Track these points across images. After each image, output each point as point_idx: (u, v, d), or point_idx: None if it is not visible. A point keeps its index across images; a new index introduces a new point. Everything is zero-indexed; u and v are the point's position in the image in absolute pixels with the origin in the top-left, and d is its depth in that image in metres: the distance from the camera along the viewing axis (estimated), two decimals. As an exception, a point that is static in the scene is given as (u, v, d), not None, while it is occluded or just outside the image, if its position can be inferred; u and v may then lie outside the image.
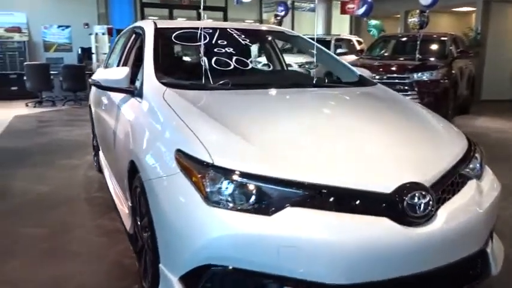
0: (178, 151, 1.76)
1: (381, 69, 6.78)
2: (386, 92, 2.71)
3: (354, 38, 11.41)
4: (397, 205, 1.60)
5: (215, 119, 1.91)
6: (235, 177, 1.60)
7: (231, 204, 1.58)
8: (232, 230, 1.54)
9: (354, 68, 3.01)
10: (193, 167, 1.67)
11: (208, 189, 1.60)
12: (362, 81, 2.86)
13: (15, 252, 2.63)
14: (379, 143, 1.88)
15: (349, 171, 1.68)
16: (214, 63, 2.58)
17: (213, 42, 2.76)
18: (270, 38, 3.57)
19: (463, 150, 2.00)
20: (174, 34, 2.82)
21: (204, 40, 2.70)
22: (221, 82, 2.42)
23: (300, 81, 2.73)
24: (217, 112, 2.01)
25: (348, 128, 1.99)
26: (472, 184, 1.90)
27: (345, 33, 12.36)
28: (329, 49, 10.04)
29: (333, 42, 10.19)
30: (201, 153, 1.69)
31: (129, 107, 2.48)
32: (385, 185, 1.63)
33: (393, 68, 6.75)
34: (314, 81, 2.70)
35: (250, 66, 2.64)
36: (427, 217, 1.64)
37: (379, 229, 1.57)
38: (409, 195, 1.61)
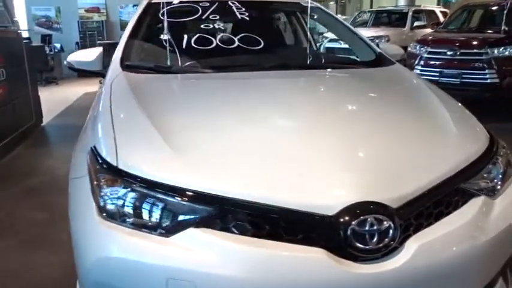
0: (92, 149, 1.50)
1: (456, 44, 5.91)
2: (399, 75, 2.19)
3: (438, 9, 10.20)
4: (339, 233, 1.19)
5: (147, 113, 1.60)
6: (135, 185, 1.29)
7: (127, 219, 1.28)
8: (114, 253, 1.25)
9: (374, 45, 2.51)
10: (94, 169, 1.40)
11: (101, 198, 1.33)
12: (378, 61, 2.36)
13: (2, 235, 2.63)
14: (344, 147, 1.41)
15: (284, 186, 1.26)
16: (195, 42, 2.26)
17: (205, 17, 2.45)
18: (278, 11, 3.13)
19: (472, 157, 1.48)
20: (168, 9, 2.54)
21: (196, 15, 2.42)
22: (187, 64, 2.10)
23: (292, 62, 2.29)
24: (157, 102, 1.71)
25: (310, 127, 1.54)
26: (475, 203, 1.38)
27: (429, 4, 11.12)
28: (405, 22, 9.12)
29: (410, 14, 9.18)
30: (110, 153, 1.41)
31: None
32: (329, 204, 1.21)
33: (469, 42, 5.82)
34: (311, 62, 2.25)
35: (236, 44, 2.27)
36: (384, 251, 1.21)
37: (308, 264, 1.17)
38: (357, 220, 1.19)
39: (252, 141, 1.46)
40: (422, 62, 6.16)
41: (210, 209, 1.23)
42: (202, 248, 1.20)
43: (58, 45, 10.43)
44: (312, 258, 1.17)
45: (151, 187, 1.28)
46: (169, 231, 1.24)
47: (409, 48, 6.56)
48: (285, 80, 2.04)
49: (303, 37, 2.96)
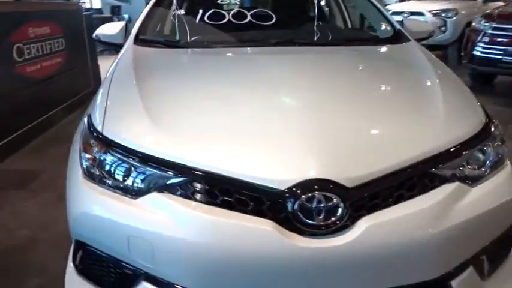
0: (88, 116, 1.66)
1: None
2: (407, 53, 2.12)
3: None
4: (287, 207, 1.24)
5: (140, 85, 1.72)
6: (113, 151, 1.43)
7: (106, 181, 1.42)
8: (91, 210, 1.41)
9: (394, 21, 2.42)
10: (84, 134, 1.57)
11: (85, 161, 1.48)
12: (394, 38, 2.29)
13: (44, 190, 2.94)
14: (314, 126, 1.43)
15: (244, 159, 1.33)
16: (209, 17, 2.33)
17: None
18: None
19: (452, 143, 1.43)
20: None
21: None
22: (194, 39, 2.18)
23: (299, 38, 2.25)
24: (153, 75, 1.84)
25: (287, 106, 1.58)
26: (445, 190, 1.35)
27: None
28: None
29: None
30: (98, 121, 1.56)
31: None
32: (282, 179, 1.26)
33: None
34: (320, 38, 2.23)
35: (248, 20, 2.30)
36: (332, 227, 1.24)
37: (256, 235, 1.23)
38: (305, 195, 1.23)
39: (228, 117, 1.53)
40: (486, 39, 5.71)
41: (172, 176, 1.33)
42: (162, 211, 1.30)
43: (126, 16, 10.94)
44: (259, 229, 1.23)
45: (126, 153, 1.41)
46: (136, 194, 1.36)
47: (473, 23, 6.11)
48: (283, 57, 2.06)
49: (326, 11, 2.90)
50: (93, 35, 2.53)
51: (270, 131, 1.42)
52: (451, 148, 1.43)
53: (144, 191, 1.35)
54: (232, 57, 2.07)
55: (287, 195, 1.24)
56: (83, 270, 1.52)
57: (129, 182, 1.39)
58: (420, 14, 8.18)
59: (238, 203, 1.28)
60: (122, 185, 1.40)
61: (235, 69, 1.94)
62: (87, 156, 1.49)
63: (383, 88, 1.75)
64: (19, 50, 3.88)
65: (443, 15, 7.96)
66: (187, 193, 1.31)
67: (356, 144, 1.38)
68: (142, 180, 1.37)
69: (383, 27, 2.41)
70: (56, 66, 4.65)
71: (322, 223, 1.23)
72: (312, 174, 1.26)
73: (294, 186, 1.24)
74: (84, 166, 1.48)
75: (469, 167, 1.46)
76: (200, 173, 1.31)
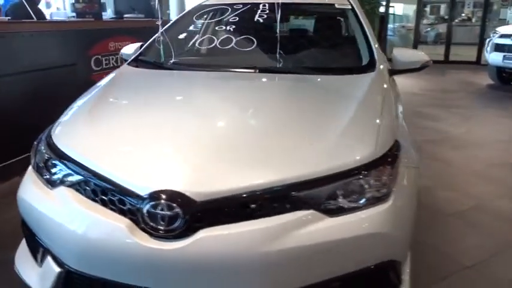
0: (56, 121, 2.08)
1: None
2: (356, 83, 2.17)
3: None
4: (140, 210, 1.47)
5: (99, 100, 2.10)
6: (49, 147, 1.80)
7: (43, 173, 1.78)
8: (25, 196, 1.77)
9: (375, 51, 2.44)
10: (45, 134, 1.96)
11: (34, 154, 1.88)
12: (362, 67, 2.34)
13: None
14: (202, 143, 1.63)
15: (127, 164, 1.58)
16: (201, 43, 2.63)
17: (230, 20, 2.77)
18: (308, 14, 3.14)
19: (323, 171, 1.51)
20: (210, 9, 2.96)
21: (230, 17, 2.76)
22: (173, 61, 2.49)
23: (266, 64, 2.37)
24: (116, 92, 2.19)
25: (195, 126, 1.77)
26: (295, 215, 1.45)
27: None
28: None
29: None
30: (53, 125, 1.97)
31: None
32: (144, 186, 1.48)
33: None
34: (282, 66, 2.35)
35: (230, 46, 2.53)
36: (172, 233, 1.44)
37: (112, 230, 1.49)
38: (151, 203, 1.45)
39: (139, 133, 1.78)
40: None
41: (73, 173, 1.66)
42: (62, 202, 1.63)
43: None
44: (116, 226, 1.49)
45: (54, 151, 1.78)
46: (53, 186, 1.71)
47: None
48: (232, 82, 2.28)
49: (319, 39, 2.96)
50: (120, 53, 3.00)
51: (160, 146, 1.67)
52: (315, 177, 1.51)
53: (57, 184, 1.70)
54: (190, 80, 2.35)
55: (142, 200, 1.47)
56: (28, 244, 1.92)
57: (52, 175, 1.75)
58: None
59: (110, 202, 1.55)
60: (47, 176, 1.75)
61: (182, 91, 2.22)
62: (36, 151, 1.89)
63: (292, 117, 1.86)
64: (97, 61, 4.63)
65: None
66: (81, 189, 1.62)
67: (224, 163, 1.55)
68: (58, 175, 1.72)
69: (361, 56, 2.44)
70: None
71: (164, 228, 1.44)
72: (166, 185, 1.47)
73: (150, 193, 1.47)
74: (32, 159, 1.89)
75: (341, 198, 1.52)
76: (90, 174, 1.61)
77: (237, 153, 1.60)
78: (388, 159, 1.64)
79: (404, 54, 2.55)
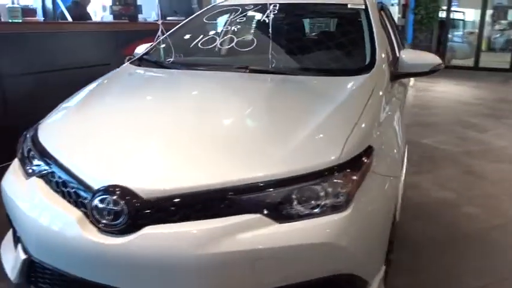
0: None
1: None
2: (342, 85, 2.06)
3: None
4: (90, 203, 1.47)
5: (87, 98, 2.15)
6: (31, 143, 1.86)
7: (25, 165, 1.84)
8: (5, 184, 1.84)
9: (378, 52, 2.30)
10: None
11: (20, 146, 1.95)
12: (358, 69, 2.20)
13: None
14: (164, 141, 1.63)
15: (89, 159, 1.61)
16: (203, 43, 2.61)
17: (239, 20, 2.75)
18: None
19: (275, 175, 1.45)
20: (220, 11, 2.97)
21: (236, 17, 2.76)
22: (169, 60, 2.50)
23: (258, 64, 2.28)
24: (106, 90, 2.24)
25: (171, 125, 1.76)
26: (240, 218, 1.39)
27: None
28: None
29: None
30: (42, 120, 2.05)
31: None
32: (100, 181, 1.49)
33: None
34: (274, 66, 2.26)
35: (230, 46, 2.51)
36: (116, 228, 1.43)
37: (64, 221, 1.51)
38: (99, 197, 1.46)
39: (113, 130, 1.80)
40: None
41: (45, 167, 1.71)
42: (30, 192, 1.69)
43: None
44: (67, 218, 1.51)
45: (34, 144, 1.85)
46: (29, 175, 1.78)
47: None
48: (220, 82, 2.26)
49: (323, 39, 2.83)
50: (134, 52, 3.08)
51: (122, 143, 1.68)
52: (266, 180, 1.44)
53: (30, 174, 1.76)
54: (178, 79, 2.36)
55: (93, 194, 1.48)
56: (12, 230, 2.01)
57: (32, 166, 1.81)
58: None
59: (68, 194, 1.57)
60: (28, 167, 1.83)
61: (163, 91, 2.22)
62: (23, 143, 1.97)
63: (261, 118, 1.80)
64: (129, 60, 4.81)
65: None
66: (49, 181, 1.66)
67: (176, 162, 1.53)
68: (35, 166, 1.78)
69: (360, 58, 2.31)
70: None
71: (107, 223, 1.44)
72: (116, 180, 1.47)
73: (100, 187, 1.48)
74: (18, 151, 1.97)
75: (295, 204, 1.45)
76: (57, 166, 1.65)
77: (191, 153, 1.57)
78: (354, 165, 1.53)
79: (412, 57, 2.39)
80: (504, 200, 3.26)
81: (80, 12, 5.85)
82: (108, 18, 6.49)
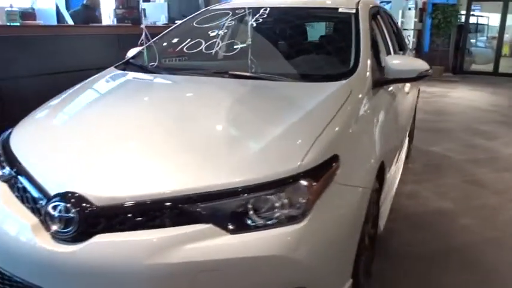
0: None
1: None
2: (313, 91, 2.01)
3: None
4: (45, 209, 1.45)
5: (62, 102, 2.15)
6: (2, 148, 1.85)
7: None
8: None
9: (363, 58, 2.23)
10: None
11: None
12: (337, 75, 2.14)
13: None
14: (118, 148, 1.63)
15: (54, 168, 1.59)
16: (189, 47, 2.59)
17: (226, 24, 2.73)
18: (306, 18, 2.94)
19: (231, 184, 1.40)
20: (215, 14, 2.95)
21: (225, 21, 2.74)
22: (151, 65, 2.49)
23: (238, 69, 2.23)
24: (82, 93, 2.24)
25: (133, 132, 1.75)
26: (190, 228, 1.35)
27: None
28: None
29: None
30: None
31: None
32: (54, 187, 1.48)
33: None
34: (254, 71, 2.23)
35: (214, 51, 2.47)
36: (66, 235, 1.40)
37: (19, 226, 1.50)
38: (52, 204, 1.44)
39: (77, 136, 1.79)
40: None
41: (10, 171, 1.71)
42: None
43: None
44: (22, 224, 1.50)
45: (4, 150, 1.84)
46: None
47: None
48: (192, 87, 2.24)
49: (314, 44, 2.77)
50: (126, 56, 3.09)
51: (81, 150, 1.66)
52: (219, 189, 1.40)
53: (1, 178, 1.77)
54: (152, 84, 2.35)
55: (48, 200, 1.47)
56: None
57: (2, 170, 1.82)
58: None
59: (27, 200, 1.56)
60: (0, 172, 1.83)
61: (134, 95, 2.19)
62: None
63: (223, 125, 1.76)
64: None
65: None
66: (12, 185, 1.66)
67: (130, 170, 1.51)
68: (4, 170, 1.79)
69: (340, 63, 2.26)
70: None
71: (58, 230, 1.42)
72: (71, 187, 1.46)
73: (54, 194, 1.46)
74: None
75: (251, 214, 1.40)
76: (20, 171, 1.65)
77: (147, 161, 1.55)
78: (314, 175, 1.48)
79: (398, 62, 2.31)
80: (503, 212, 3.13)
81: (89, 15, 5.94)
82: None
